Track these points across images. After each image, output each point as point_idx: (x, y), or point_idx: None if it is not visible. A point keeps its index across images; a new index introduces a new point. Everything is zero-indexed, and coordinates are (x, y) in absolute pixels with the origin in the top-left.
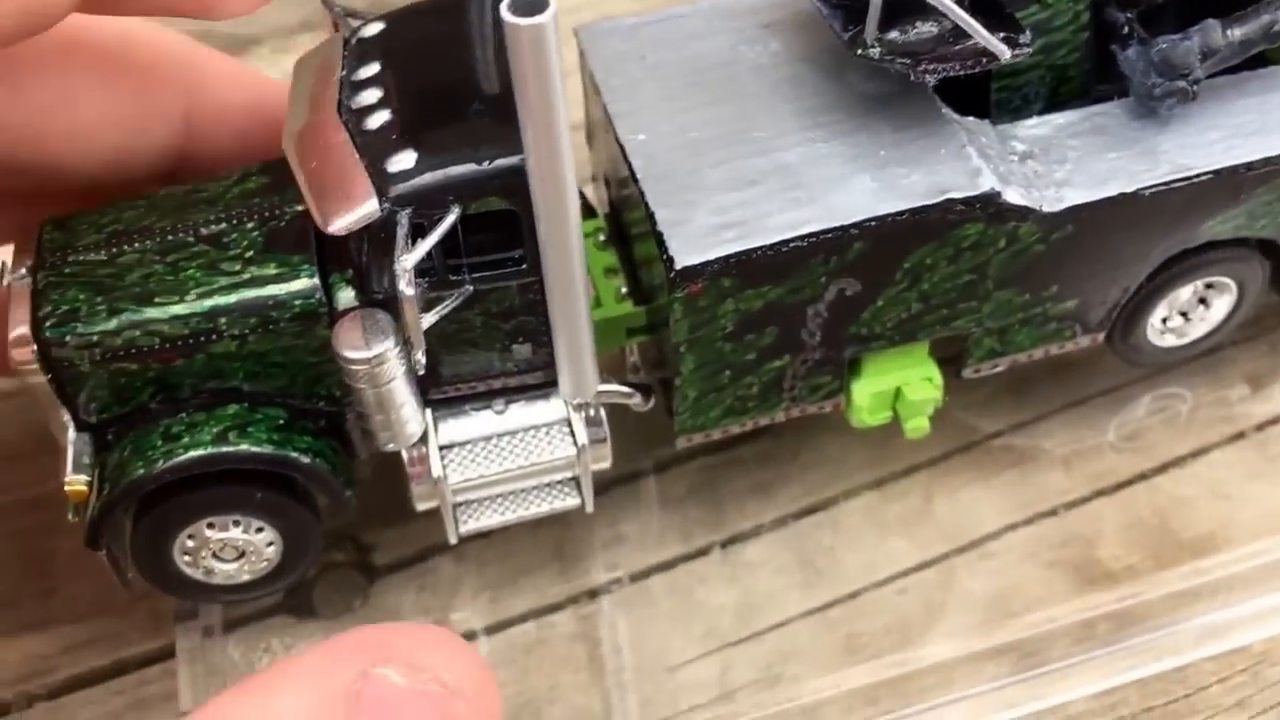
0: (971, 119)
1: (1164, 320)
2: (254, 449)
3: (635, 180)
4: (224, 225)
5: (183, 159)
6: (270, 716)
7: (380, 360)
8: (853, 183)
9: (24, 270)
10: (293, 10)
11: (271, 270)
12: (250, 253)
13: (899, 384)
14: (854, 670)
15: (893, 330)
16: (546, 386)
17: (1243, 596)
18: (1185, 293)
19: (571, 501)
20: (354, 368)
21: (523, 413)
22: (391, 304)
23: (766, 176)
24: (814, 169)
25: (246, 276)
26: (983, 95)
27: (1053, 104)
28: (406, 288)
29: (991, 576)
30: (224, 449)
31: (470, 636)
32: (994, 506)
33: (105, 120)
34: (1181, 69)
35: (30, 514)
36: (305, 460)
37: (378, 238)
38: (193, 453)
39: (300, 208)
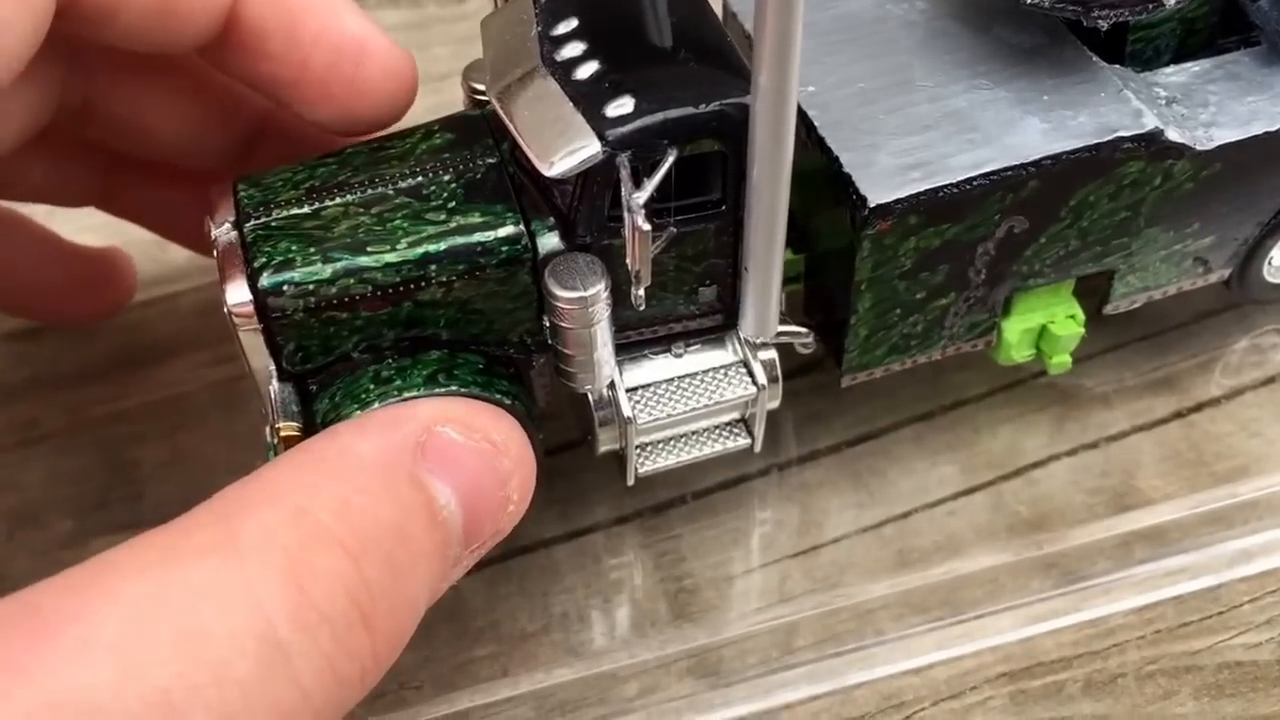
0: (1118, 66)
1: None
2: (463, 391)
3: (812, 128)
4: (421, 179)
5: (249, 158)
6: (350, 453)
7: (593, 300)
8: (1024, 125)
9: (228, 224)
10: None
11: (477, 218)
12: (452, 203)
13: (1045, 321)
14: (907, 579)
15: (1050, 267)
16: (720, 330)
17: (1272, 523)
18: None
19: (742, 442)
20: (567, 307)
21: (699, 357)
22: (596, 250)
23: (939, 122)
24: (984, 113)
25: (453, 225)
26: (1114, 49)
27: (1180, 55)
28: (643, 223)
29: (1037, 501)
30: (435, 390)
31: (540, 545)
32: (1038, 438)
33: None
34: None
35: (115, 426)
36: (507, 402)
37: (593, 182)
38: (406, 394)
39: (492, 160)
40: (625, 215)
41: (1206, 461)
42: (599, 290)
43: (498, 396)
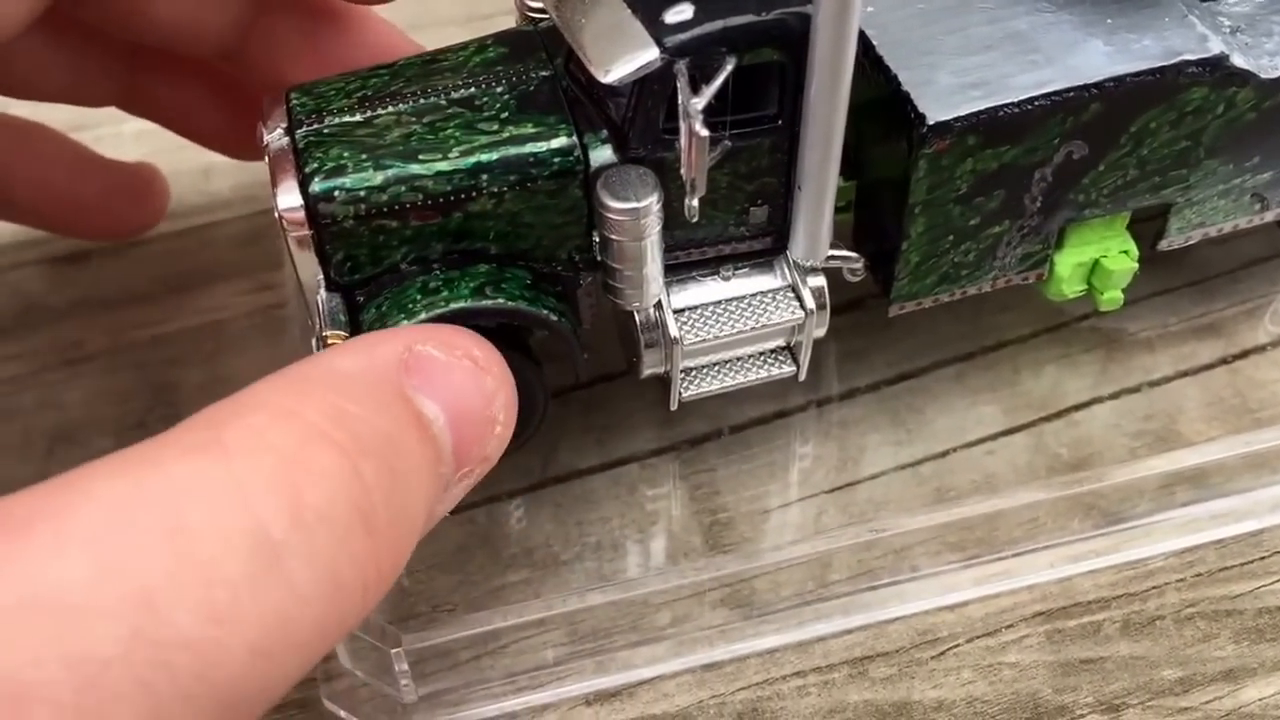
0: None
1: None
2: (510, 304)
3: (870, 48)
4: (473, 89)
5: (245, 45)
6: (334, 372)
7: (645, 213)
8: (1087, 47)
9: (280, 130)
10: None
11: (530, 129)
12: (505, 114)
13: (1098, 255)
14: (943, 517)
15: (1107, 197)
16: (770, 254)
17: None
18: None
19: (787, 369)
20: (619, 219)
21: (748, 281)
22: (649, 162)
23: (1001, 42)
24: (1046, 35)
25: (506, 135)
26: None
27: None
28: (701, 129)
29: (1078, 443)
30: (483, 302)
31: (576, 475)
32: (1081, 381)
33: None
34: None
35: (156, 349)
36: (554, 318)
37: (649, 91)
38: (454, 305)
39: (546, 73)
40: (682, 122)
41: (1251, 408)
42: (651, 202)
43: (545, 312)
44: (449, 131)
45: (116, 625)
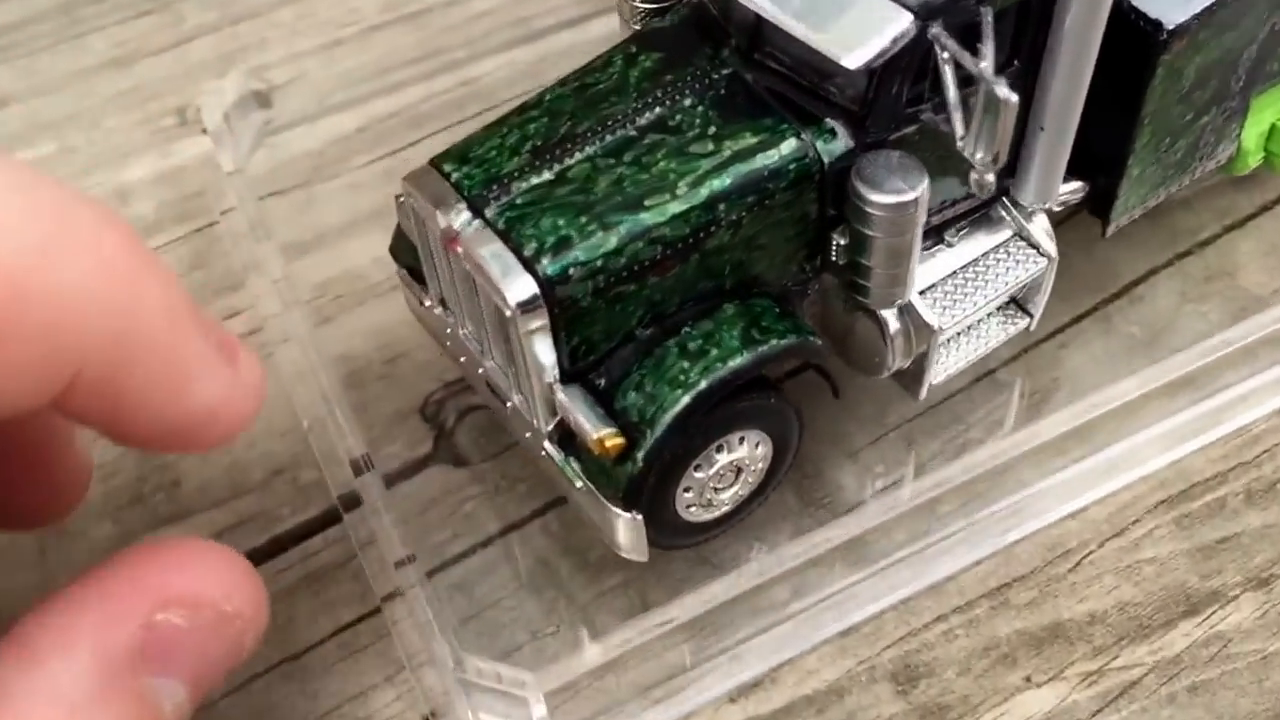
0: None
1: None
2: (782, 343)
3: None
4: (659, 109)
5: None
6: (54, 689)
7: (918, 202)
8: None
9: (464, 212)
10: None
11: (750, 139)
12: (712, 128)
13: (1274, 119)
14: (1034, 425)
15: None
16: (981, 207)
17: None
18: None
19: (1020, 324)
20: (886, 214)
21: (974, 242)
22: (891, 144)
23: None
24: None
25: (728, 153)
26: None
27: None
28: (1008, 93)
29: (1148, 320)
30: (758, 350)
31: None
32: (1130, 254)
33: None
34: None
35: None
36: (818, 343)
37: (896, 65)
38: (732, 362)
39: (727, 70)
40: (953, 93)
41: None
42: (924, 188)
43: (808, 338)
44: (661, 165)
45: None
